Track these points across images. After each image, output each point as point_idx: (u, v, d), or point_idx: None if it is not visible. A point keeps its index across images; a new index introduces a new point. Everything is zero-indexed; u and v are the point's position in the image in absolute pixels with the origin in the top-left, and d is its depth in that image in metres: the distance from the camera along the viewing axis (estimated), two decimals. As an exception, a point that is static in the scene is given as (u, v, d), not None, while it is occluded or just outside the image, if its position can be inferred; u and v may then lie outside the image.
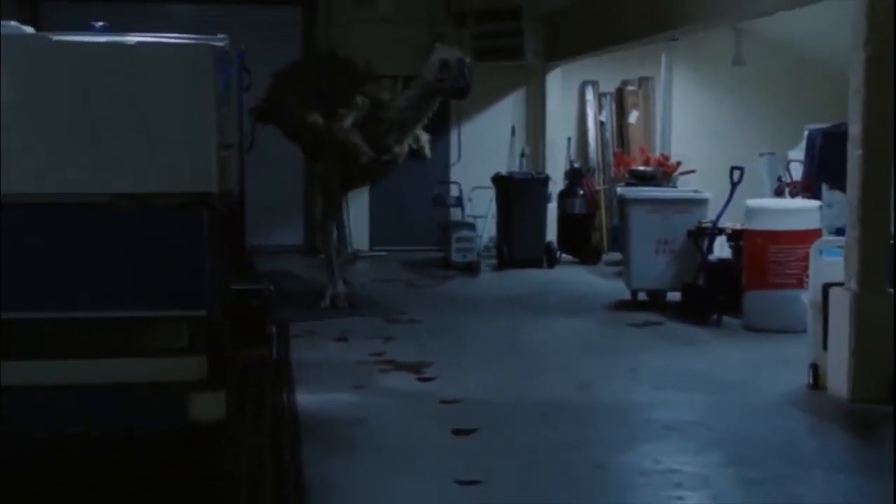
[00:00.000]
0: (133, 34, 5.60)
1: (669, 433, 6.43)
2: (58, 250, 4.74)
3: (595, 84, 15.43)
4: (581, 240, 14.05)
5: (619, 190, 11.83)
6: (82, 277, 4.78)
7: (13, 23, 6.50)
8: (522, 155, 15.44)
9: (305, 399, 7.21)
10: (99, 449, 5.01)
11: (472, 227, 13.79)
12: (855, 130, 6.81)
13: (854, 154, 6.87)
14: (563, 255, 13.96)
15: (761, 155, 12.78)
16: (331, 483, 5.52)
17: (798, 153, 11.57)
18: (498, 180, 13.90)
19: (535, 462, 5.90)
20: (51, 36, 5.01)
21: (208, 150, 4.91)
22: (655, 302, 10.66)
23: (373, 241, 15.29)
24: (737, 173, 10.11)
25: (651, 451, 6.06)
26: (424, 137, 11.26)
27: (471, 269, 13.19)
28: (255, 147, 9.98)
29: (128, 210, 4.80)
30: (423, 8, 15.18)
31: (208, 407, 4.82)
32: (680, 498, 5.25)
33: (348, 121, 10.43)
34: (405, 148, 10.91)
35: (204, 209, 4.87)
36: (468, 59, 10.61)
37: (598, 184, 15.00)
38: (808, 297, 7.51)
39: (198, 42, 5.13)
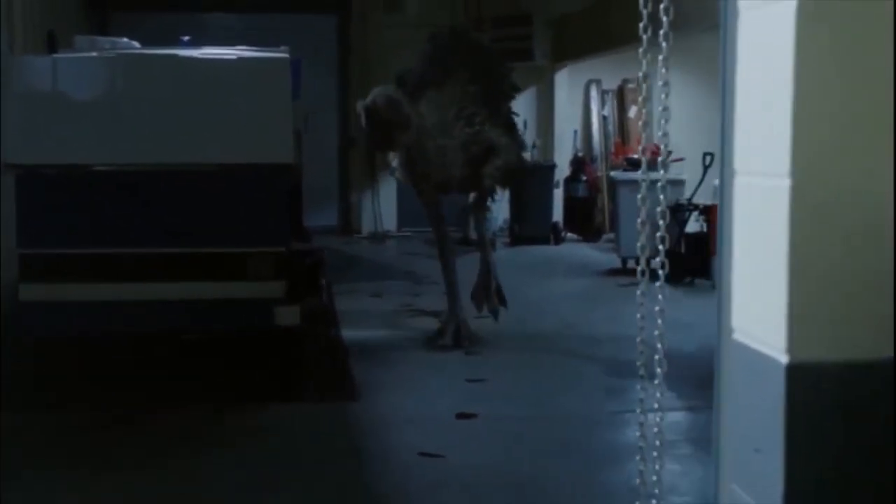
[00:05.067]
0: (209, 46, 7.59)
1: (631, 351, 8.32)
2: (185, 203, 6.72)
3: (599, 82, 17.26)
4: (584, 220, 15.93)
5: (612, 173, 13.71)
6: (201, 223, 6.75)
7: (125, 39, 8.48)
8: (534, 146, 17.28)
9: (350, 334, 9.15)
10: (206, 347, 7.01)
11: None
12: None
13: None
14: (569, 234, 15.83)
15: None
16: (376, 381, 7.46)
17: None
18: (510, 168, 15.78)
19: (526, 368, 7.87)
20: (177, 53, 6.95)
21: (287, 132, 6.86)
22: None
23: (400, 223, 17.14)
24: (708, 158, 11.96)
25: (614, 361, 7.97)
26: (496, 163, 8.70)
27: (486, 244, 15.07)
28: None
29: (231, 175, 6.76)
30: (445, 14, 17.02)
31: (288, 315, 6.79)
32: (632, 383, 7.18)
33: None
34: (450, 174, 8.61)
35: (284, 174, 6.83)
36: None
37: (600, 170, 16.86)
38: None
39: (280, 56, 7.05)
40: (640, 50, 2.34)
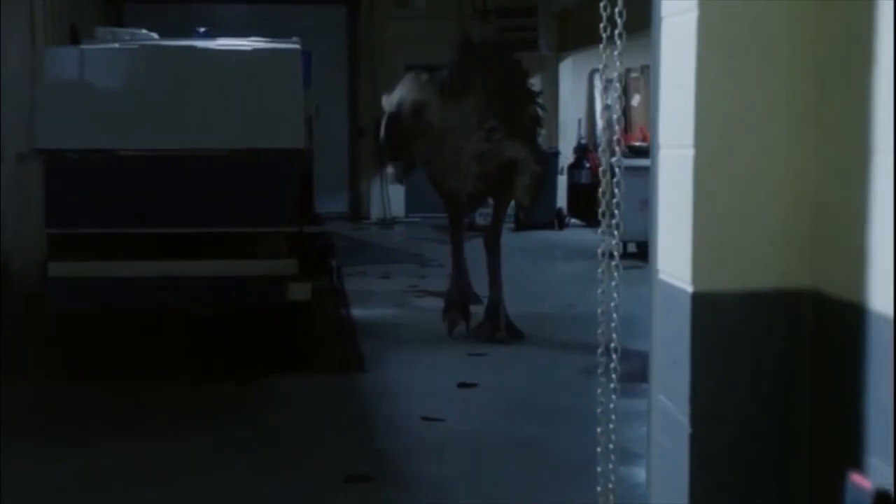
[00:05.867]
0: (224, 38, 8.01)
1: (627, 328, 8.74)
2: (203, 186, 7.16)
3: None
4: (587, 206, 16.32)
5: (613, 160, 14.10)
6: (218, 205, 7.18)
7: (144, 31, 8.91)
8: (539, 134, 17.67)
9: (359, 312, 9.60)
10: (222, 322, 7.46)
11: (493, 195, 16.10)
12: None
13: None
14: (572, 220, 16.25)
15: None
16: (382, 355, 7.91)
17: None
18: (515, 155, 16.19)
19: (527, 344, 8.30)
20: (195, 45, 7.38)
21: (298, 119, 7.28)
22: (641, 252, 12.96)
23: (408, 209, 17.59)
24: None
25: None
26: (524, 182, 8.49)
27: (492, 229, 15.49)
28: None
29: (247, 159, 7.19)
30: (452, 5, 17.43)
31: (300, 292, 7.23)
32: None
33: None
34: (460, 185, 8.40)
35: (296, 159, 7.26)
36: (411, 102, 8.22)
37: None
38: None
39: (292, 47, 7.48)
40: (601, 47, 2.75)
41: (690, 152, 2.03)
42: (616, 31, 2.59)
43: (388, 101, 8.33)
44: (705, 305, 2.03)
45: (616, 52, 2.66)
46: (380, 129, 8.42)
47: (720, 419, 2.04)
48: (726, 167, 2.01)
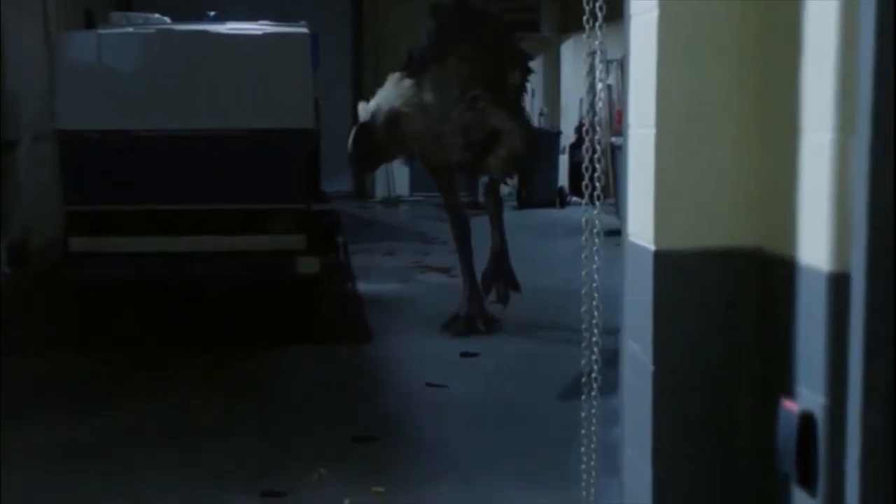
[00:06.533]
0: (233, 21, 8.32)
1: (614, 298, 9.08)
2: (216, 165, 7.49)
3: (604, 52, 17.91)
4: (588, 184, 16.63)
5: (612, 139, 14.44)
6: (230, 183, 7.52)
7: (157, 15, 9.21)
8: (541, 114, 17.98)
9: (365, 287, 9.95)
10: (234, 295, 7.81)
11: (495, 174, 16.42)
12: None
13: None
14: (574, 198, 16.54)
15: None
16: (387, 327, 8.26)
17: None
18: (518, 135, 16.50)
19: (526, 315, 8.62)
20: (208, 29, 7.70)
21: (308, 100, 7.60)
22: (639, 229, 13.29)
23: (412, 188, 17.90)
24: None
25: (606, 310, 8.72)
26: (501, 154, 8.35)
27: (494, 208, 15.80)
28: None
29: (258, 138, 7.52)
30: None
31: (309, 266, 7.58)
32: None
33: None
34: (445, 158, 8.38)
35: (305, 138, 7.59)
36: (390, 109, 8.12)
37: (603, 137, 17.56)
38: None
39: (301, 31, 7.79)
40: (584, 36, 3.07)
41: (653, 131, 2.37)
42: (597, 24, 2.90)
43: (365, 109, 8.18)
44: (665, 261, 2.38)
45: (597, 42, 2.98)
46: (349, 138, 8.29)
47: (678, 359, 2.39)
48: (683, 144, 2.35)
